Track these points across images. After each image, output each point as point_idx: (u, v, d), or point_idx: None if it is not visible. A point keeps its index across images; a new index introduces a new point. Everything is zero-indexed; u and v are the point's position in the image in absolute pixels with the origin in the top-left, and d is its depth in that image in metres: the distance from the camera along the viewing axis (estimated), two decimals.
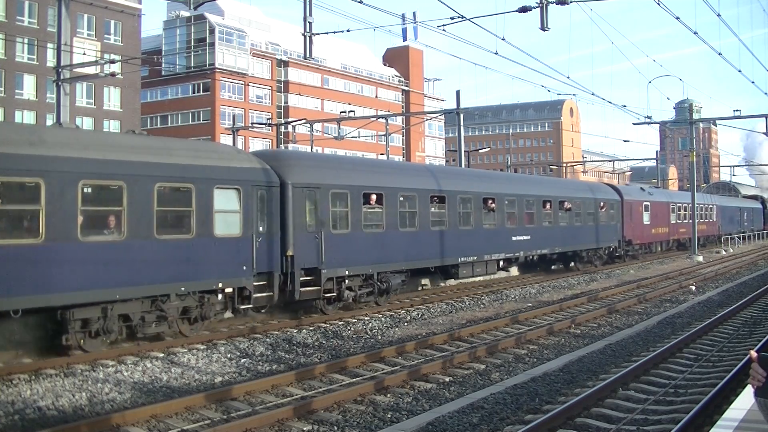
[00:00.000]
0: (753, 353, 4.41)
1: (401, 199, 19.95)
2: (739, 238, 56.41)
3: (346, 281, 18.01)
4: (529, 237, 26.13)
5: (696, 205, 44.03)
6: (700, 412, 8.72)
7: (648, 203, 39.16)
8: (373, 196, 18.96)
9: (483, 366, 12.62)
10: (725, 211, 57.29)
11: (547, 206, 28.28)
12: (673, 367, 11.94)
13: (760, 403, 4.50)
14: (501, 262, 25.07)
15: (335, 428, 9.10)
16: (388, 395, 10.62)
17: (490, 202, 24.04)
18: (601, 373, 11.74)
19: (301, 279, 16.52)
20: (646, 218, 38.56)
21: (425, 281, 24.28)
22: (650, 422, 8.84)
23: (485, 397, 10.06)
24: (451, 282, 24.63)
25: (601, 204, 32.97)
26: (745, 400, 7.45)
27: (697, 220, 43.91)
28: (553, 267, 31.11)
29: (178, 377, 11.73)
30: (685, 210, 45.50)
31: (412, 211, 20.33)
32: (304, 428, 9.07)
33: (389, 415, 9.62)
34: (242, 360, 13.09)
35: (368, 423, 9.30)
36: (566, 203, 29.87)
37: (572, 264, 31.66)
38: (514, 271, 29.11)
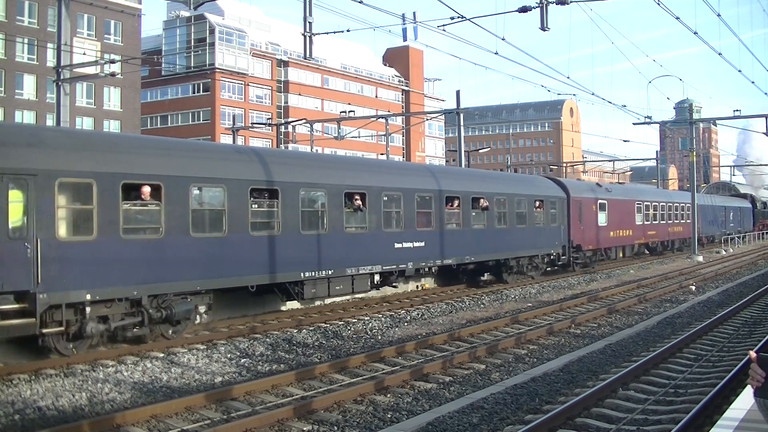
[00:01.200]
0: (752, 353, 4.41)
1: (196, 192, 14.58)
2: (727, 239, 52.31)
3: (90, 309, 12.51)
4: (423, 243, 20.53)
5: (667, 204, 41.79)
6: (700, 412, 8.72)
7: (604, 201, 33.11)
8: (145, 189, 13.55)
9: (483, 366, 12.62)
10: (706, 210, 51.41)
11: (454, 204, 22.30)
12: (673, 367, 11.94)
13: (759, 404, 4.50)
14: (378, 276, 19.33)
15: (335, 428, 9.10)
16: (388, 395, 10.62)
17: (356, 198, 18.57)
18: (601, 373, 11.75)
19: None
20: (601, 219, 32.49)
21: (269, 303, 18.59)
22: (650, 422, 8.84)
23: (485, 397, 10.06)
24: (294, 305, 18.90)
25: (537, 202, 27.03)
26: (745, 400, 7.45)
27: (669, 221, 42.23)
28: (482, 278, 25.14)
29: (178, 377, 11.73)
30: (656, 209, 40.51)
31: (217, 210, 14.98)
32: (304, 428, 9.07)
33: (389, 415, 9.62)
34: (242, 360, 13.09)
35: (368, 423, 9.30)
36: (482, 200, 23.75)
37: (503, 275, 25.54)
38: (429, 282, 24.64)
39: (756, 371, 4.36)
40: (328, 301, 19.48)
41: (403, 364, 12.74)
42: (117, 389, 10.86)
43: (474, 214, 23.30)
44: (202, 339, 14.64)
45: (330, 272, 17.50)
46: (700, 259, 39.30)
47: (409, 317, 18.18)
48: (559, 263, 28.90)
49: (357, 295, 20.32)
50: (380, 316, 18.16)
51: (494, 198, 24.39)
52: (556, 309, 19.74)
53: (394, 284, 20.77)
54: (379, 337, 15.71)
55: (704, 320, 17.01)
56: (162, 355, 13.10)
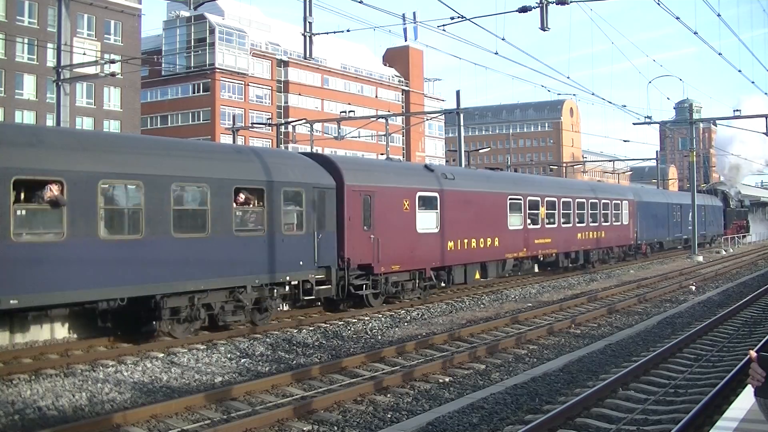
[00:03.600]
0: (752, 353, 4.41)
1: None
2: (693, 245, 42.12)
3: None
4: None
5: (582, 201, 30.61)
6: (700, 412, 8.72)
7: (434, 194, 20.92)
8: None
9: (483, 366, 12.62)
10: (648, 209, 39.13)
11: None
12: (673, 367, 11.95)
13: (760, 403, 4.50)
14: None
15: (335, 428, 9.10)
16: (388, 395, 10.62)
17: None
18: (601, 373, 11.75)
19: None
20: (425, 222, 20.49)
21: None
22: (650, 422, 8.84)
23: (485, 397, 10.06)
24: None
25: (244, 195, 15.53)
26: (745, 400, 7.45)
27: (585, 224, 30.82)
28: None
29: (178, 377, 11.72)
30: (554, 207, 28.17)
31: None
32: (304, 428, 9.07)
33: (389, 415, 9.62)
34: (242, 360, 13.09)
35: (368, 423, 9.30)
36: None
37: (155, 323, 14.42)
38: None
39: (756, 371, 4.36)
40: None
41: (403, 364, 12.73)
42: (117, 389, 10.86)
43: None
44: (202, 339, 14.64)
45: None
46: (700, 259, 39.30)
47: (409, 317, 18.18)
48: (308, 298, 17.21)
49: None
50: (380, 316, 18.16)
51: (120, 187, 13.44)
52: (556, 309, 19.74)
53: None
54: (379, 337, 15.71)
55: (704, 320, 17.01)
56: (162, 355, 13.10)
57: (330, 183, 17.63)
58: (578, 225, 30.47)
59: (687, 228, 45.25)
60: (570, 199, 29.94)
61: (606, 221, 33.14)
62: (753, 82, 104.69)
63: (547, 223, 27.54)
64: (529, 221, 26.21)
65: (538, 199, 27.23)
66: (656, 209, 40.96)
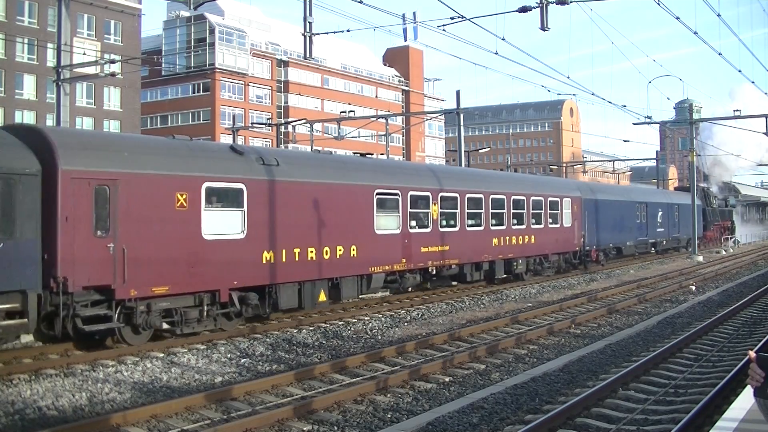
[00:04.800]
0: (752, 353, 4.41)
1: None
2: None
3: None
4: None
5: (500, 199, 24.43)
6: (700, 412, 8.72)
7: (238, 186, 15.26)
8: None
9: (483, 366, 12.62)
10: (601, 209, 32.68)
11: None
12: (673, 367, 11.95)
13: (759, 404, 4.50)
14: None
15: (335, 428, 9.10)
16: (388, 395, 10.62)
17: None
18: (601, 373, 11.75)
19: None
20: (221, 224, 14.93)
21: None
22: (650, 422, 8.84)
23: (485, 397, 10.06)
24: None
25: None
26: (745, 400, 7.45)
27: (507, 225, 24.63)
28: None
29: (178, 377, 11.73)
30: (455, 206, 22.11)
31: None
32: (304, 428, 9.07)
33: (389, 415, 9.62)
34: (242, 360, 13.09)
35: (368, 423, 9.30)
36: None
37: None
38: None
39: (755, 371, 4.35)
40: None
41: (403, 364, 12.73)
42: (117, 389, 10.86)
43: None
44: (202, 339, 14.64)
45: None
46: (700, 259, 39.29)
47: (409, 317, 18.18)
48: None
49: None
50: (380, 316, 18.16)
51: None
52: (556, 309, 19.74)
53: None
54: (379, 337, 15.71)
55: (704, 320, 17.02)
56: (162, 355, 13.10)
57: (26, 166, 12.10)
58: (494, 228, 23.97)
59: (656, 230, 39.68)
60: (480, 196, 23.36)
61: (538, 223, 26.82)
62: (753, 82, 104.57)
63: (443, 226, 21.35)
64: (413, 223, 20.08)
65: (428, 194, 20.77)
66: (612, 208, 34.18)
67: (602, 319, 18.07)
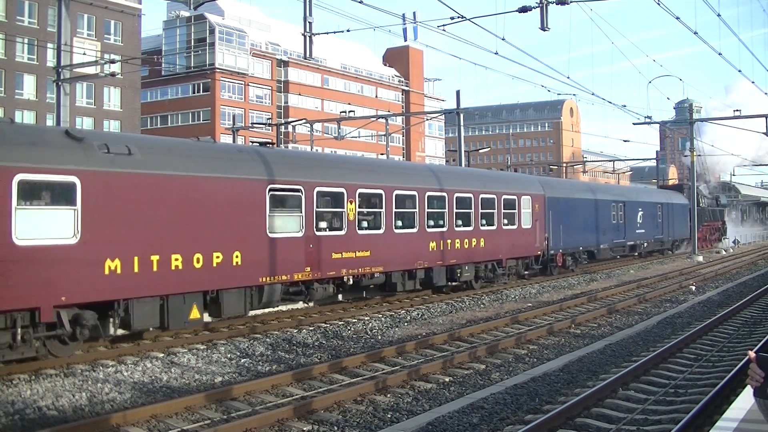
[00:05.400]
0: (751, 354, 4.41)
1: None
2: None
3: None
4: None
5: (440, 196, 21.23)
6: (700, 412, 8.72)
7: (69, 179, 12.15)
8: None
9: (483, 366, 12.62)
10: (568, 208, 29.13)
11: None
12: (673, 367, 11.95)
13: (759, 404, 4.50)
14: None
15: (335, 428, 9.10)
16: (388, 395, 10.63)
17: None
18: (601, 373, 11.75)
19: None
20: (41, 226, 11.81)
21: None
22: (650, 422, 8.84)
23: (485, 397, 10.06)
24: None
25: None
26: (745, 400, 7.45)
27: (449, 226, 21.31)
28: None
29: (178, 377, 11.73)
30: (379, 204, 19.12)
31: None
32: (304, 428, 9.07)
33: (389, 415, 9.63)
34: (242, 360, 13.09)
35: (368, 423, 9.30)
36: None
37: None
38: None
39: (755, 371, 4.36)
40: None
41: (403, 364, 12.73)
42: (117, 389, 10.86)
43: None
44: (202, 339, 14.65)
45: None
46: (700, 259, 39.29)
47: (409, 317, 18.18)
48: None
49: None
50: (380, 316, 18.16)
51: None
52: (556, 309, 19.74)
53: None
54: (379, 337, 15.71)
55: (704, 320, 17.02)
56: (162, 355, 13.11)
57: None
58: (432, 230, 20.82)
59: (635, 232, 36.20)
60: (414, 193, 20.26)
61: (490, 224, 23.60)
62: (753, 82, 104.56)
63: (363, 228, 18.45)
64: (322, 225, 17.20)
65: (341, 191, 17.76)
66: (583, 207, 30.66)
67: (602, 319, 18.07)
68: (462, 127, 37.34)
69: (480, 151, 72.83)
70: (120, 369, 11.91)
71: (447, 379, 11.62)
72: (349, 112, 42.30)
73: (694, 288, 25.19)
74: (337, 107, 72.22)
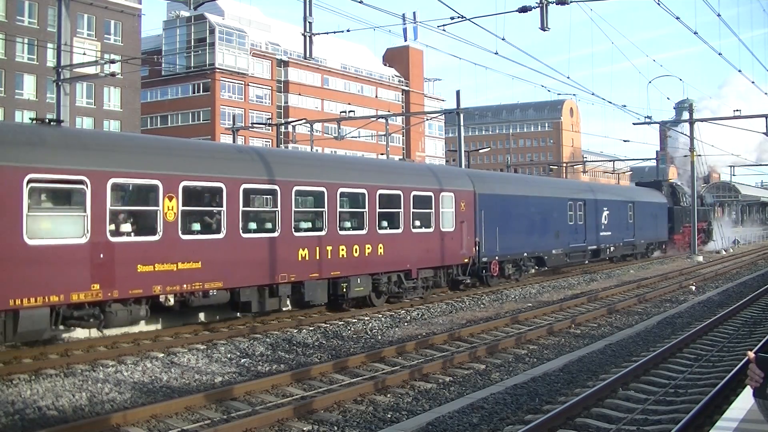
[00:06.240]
0: (750, 354, 4.41)
1: None
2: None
3: None
4: None
5: (316, 191, 17.26)
6: (700, 412, 8.72)
7: None
8: None
9: (483, 366, 12.62)
10: (510, 207, 24.96)
11: None
12: (673, 367, 11.95)
13: (759, 404, 4.50)
14: None
15: (335, 428, 9.11)
16: (388, 395, 10.63)
17: None
18: (601, 373, 11.75)
19: None
20: None
21: None
22: (650, 422, 8.84)
23: (485, 397, 10.07)
24: None
25: None
26: (745, 400, 7.45)
27: (328, 229, 17.07)
28: None
29: (178, 377, 11.73)
30: (216, 201, 15.06)
31: None
32: (304, 428, 9.07)
33: (389, 415, 9.63)
34: (242, 360, 13.09)
35: (368, 423, 9.30)
36: None
37: None
38: None
39: (754, 372, 4.35)
40: None
41: (403, 364, 12.74)
42: (117, 389, 10.86)
43: None
44: (202, 339, 14.65)
45: None
46: (700, 259, 39.28)
47: (409, 317, 18.18)
48: None
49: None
50: (380, 316, 18.16)
51: None
52: (556, 309, 19.75)
53: None
54: (379, 337, 15.71)
55: (704, 320, 17.02)
56: (162, 355, 13.11)
57: None
58: (302, 234, 16.66)
59: (598, 235, 31.78)
60: (274, 187, 16.02)
61: (394, 226, 19.31)
62: (753, 82, 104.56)
63: (189, 232, 14.45)
64: (125, 228, 13.44)
65: (156, 183, 13.75)
66: (527, 206, 26.18)
67: (602, 319, 18.07)
68: (462, 127, 37.33)
69: (480, 151, 72.83)
70: (120, 369, 11.91)
71: (447, 379, 11.62)
72: (349, 112, 42.27)
73: (694, 288, 25.19)
74: (337, 107, 72.22)
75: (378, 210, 18.80)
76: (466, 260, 22.38)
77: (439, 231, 21.09)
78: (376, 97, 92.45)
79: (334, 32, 23.98)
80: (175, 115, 76.59)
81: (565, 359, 12.70)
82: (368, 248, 18.36)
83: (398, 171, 21.18)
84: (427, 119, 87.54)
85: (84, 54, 40.17)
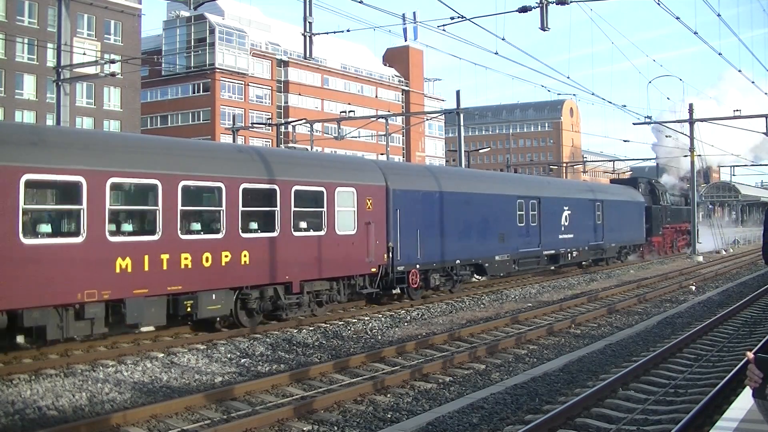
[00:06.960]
0: (750, 354, 4.40)
1: None
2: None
3: None
4: None
5: (152, 186, 13.32)
6: (700, 412, 8.72)
7: None
8: None
9: (483, 366, 12.63)
10: (436, 207, 21.15)
11: None
12: (673, 367, 11.95)
13: (758, 404, 4.50)
14: None
15: (335, 428, 9.11)
16: (388, 395, 10.63)
17: None
18: (601, 373, 11.75)
19: None
20: None
21: None
22: (650, 422, 8.84)
23: (485, 397, 10.06)
24: None
25: None
26: (745, 400, 7.45)
27: (162, 234, 13.12)
28: None
29: (178, 377, 11.73)
30: None
31: None
32: (304, 428, 9.07)
33: (389, 415, 9.63)
34: (242, 360, 13.09)
35: (368, 423, 9.30)
36: None
37: None
38: None
39: (754, 372, 4.35)
40: None
41: (403, 364, 12.74)
42: (117, 389, 10.86)
43: None
44: (202, 339, 14.66)
45: None
46: (700, 259, 39.29)
47: (409, 317, 18.18)
48: None
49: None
50: (380, 316, 18.16)
51: None
52: (556, 309, 19.75)
53: None
54: (379, 337, 15.71)
55: (704, 320, 17.01)
56: (162, 355, 13.11)
57: None
58: (119, 239, 12.92)
59: (558, 238, 27.77)
60: (79, 179, 12.26)
61: (267, 229, 15.74)
62: (753, 82, 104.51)
63: None
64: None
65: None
66: (459, 205, 22.14)
67: (602, 319, 18.08)
68: (462, 127, 37.35)
69: (480, 151, 72.86)
70: (120, 369, 11.91)
71: (447, 379, 11.62)
72: (349, 112, 42.31)
73: (694, 288, 25.19)
74: (337, 107, 72.25)
75: (242, 209, 14.99)
76: (374, 270, 18.59)
77: (335, 234, 17.40)
78: (376, 97, 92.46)
79: (334, 32, 24.01)
80: (175, 115, 76.60)
81: (565, 359, 12.70)
82: (226, 256, 14.53)
83: (275, 160, 16.64)
84: (427, 119, 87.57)
85: (84, 54, 40.16)
